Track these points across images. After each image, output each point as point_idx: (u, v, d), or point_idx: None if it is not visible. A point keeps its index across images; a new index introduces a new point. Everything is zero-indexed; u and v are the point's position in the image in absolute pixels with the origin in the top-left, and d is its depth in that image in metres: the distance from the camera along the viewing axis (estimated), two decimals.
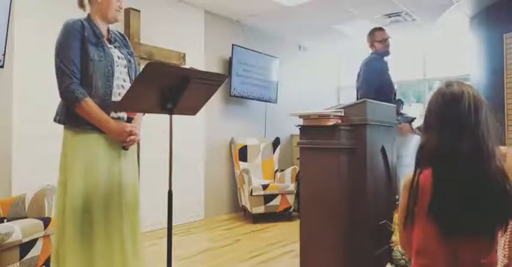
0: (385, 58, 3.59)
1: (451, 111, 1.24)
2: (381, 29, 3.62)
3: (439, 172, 1.22)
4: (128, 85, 1.90)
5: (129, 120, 1.92)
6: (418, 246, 1.26)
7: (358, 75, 3.54)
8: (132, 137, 1.85)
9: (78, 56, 1.77)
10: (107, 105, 1.81)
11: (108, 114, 1.81)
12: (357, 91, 3.54)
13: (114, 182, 1.84)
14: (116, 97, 1.85)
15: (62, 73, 1.76)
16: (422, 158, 1.27)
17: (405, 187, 1.28)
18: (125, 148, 1.88)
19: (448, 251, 1.20)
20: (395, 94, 3.61)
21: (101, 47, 1.84)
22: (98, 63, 1.80)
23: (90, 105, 1.76)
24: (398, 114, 5.17)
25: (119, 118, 1.87)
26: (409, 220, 1.26)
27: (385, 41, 3.55)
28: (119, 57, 1.91)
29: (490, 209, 1.18)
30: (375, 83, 3.33)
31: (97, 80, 1.80)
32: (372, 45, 3.58)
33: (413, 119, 4.63)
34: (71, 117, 1.79)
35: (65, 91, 1.75)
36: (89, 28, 1.83)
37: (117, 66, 1.88)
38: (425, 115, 1.32)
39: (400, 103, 5.88)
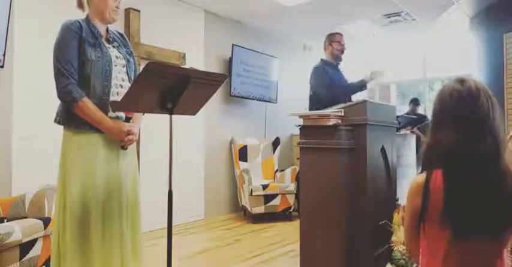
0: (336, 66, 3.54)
1: (468, 108, 1.15)
2: (341, 34, 3.61)
3: (452, 173, 1.14)
4: (126, 84, 1.90)
5: (127, 119, 1.92)
6: (429, 249, 1.20)
7: (310, 82, 3.45)
8: (130, 137, 1.85)
9: (75, 57, 1.78)
10: (105, 105, 1.81)
11: (106, 114, 1.81)
12: (310, 100, 3.43)
13: (114, 182, 1.84)
14: (114, 97, 1.85)
15: (59, 74, 1.76)
16: (432, 159, 1.19)
17: (415, 192, 1.19)
18: (124, 148, 1.88)
19: (460, 254, 1.14)
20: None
21: (98, 47, 1.84)
22: (95, 63, 1.80)
23: (87, 105, 1.76)
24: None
25: (117, 118, 1.87)
26: (422, 226, 1.18)
27: (342, 45, 3.52)
28: (117, 57, 1.91)
29: (504, 211, 1.11)
30: (327, 92, 3.26)
31: (95, 80, 1.80)
32: (329, 45, 3.54)
33: (413, 119, 4.63)
34: (70, 117, 1.80)
35: (62, 91, 1.76)
36: (86, 28, 1.84)
37: (115, 65, 1.88)
38: (436, 112, 1.23)
39: (417, 102, 5.78)
